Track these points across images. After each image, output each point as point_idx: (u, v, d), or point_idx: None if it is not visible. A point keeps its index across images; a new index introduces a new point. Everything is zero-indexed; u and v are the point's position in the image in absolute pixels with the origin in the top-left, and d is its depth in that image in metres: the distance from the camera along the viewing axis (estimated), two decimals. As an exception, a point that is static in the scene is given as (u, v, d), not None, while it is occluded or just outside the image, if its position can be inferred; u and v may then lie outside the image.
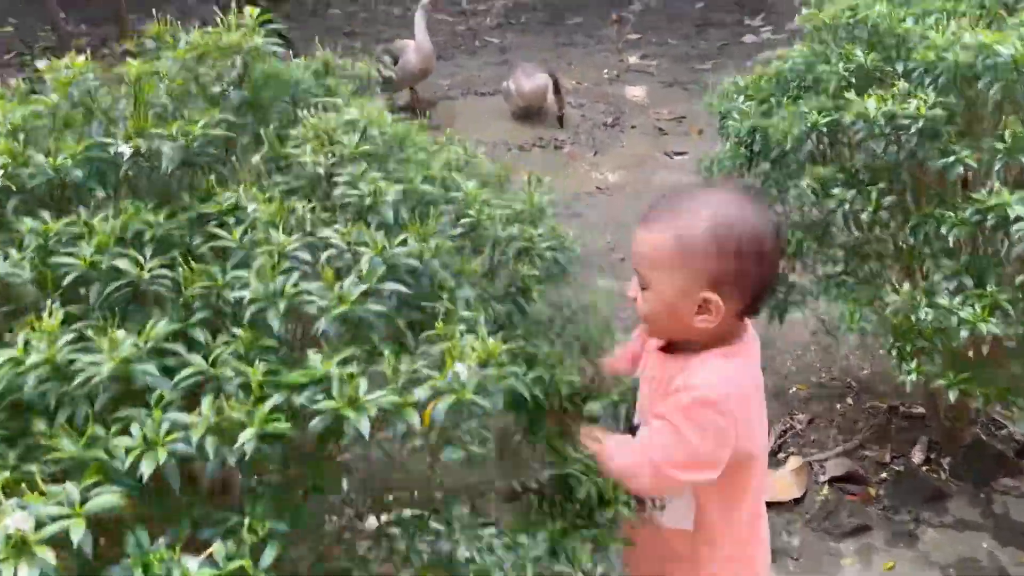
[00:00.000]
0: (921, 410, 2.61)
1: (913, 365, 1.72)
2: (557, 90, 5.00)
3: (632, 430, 1.39)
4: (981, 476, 2.36)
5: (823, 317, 2.57)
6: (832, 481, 2.42)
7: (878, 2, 1.86)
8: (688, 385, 1.23)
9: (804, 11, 2.03)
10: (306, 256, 1.12)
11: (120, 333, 0.98)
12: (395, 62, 5.01)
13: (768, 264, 1.25)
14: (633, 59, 6.27)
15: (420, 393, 1.04)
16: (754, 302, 1.27)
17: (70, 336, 0.97)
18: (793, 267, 2.12)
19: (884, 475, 2.45)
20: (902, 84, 1.66)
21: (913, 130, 1.58)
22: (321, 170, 1.23)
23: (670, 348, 1.34)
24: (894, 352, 1.76)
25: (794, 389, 2.78)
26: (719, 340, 1.27)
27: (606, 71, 6.05)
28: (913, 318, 1.67)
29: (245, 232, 1.13)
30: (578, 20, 7.21)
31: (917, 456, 2.48)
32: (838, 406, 2.72)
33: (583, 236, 3.79)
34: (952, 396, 1.67)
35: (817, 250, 1.93)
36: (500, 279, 1.48)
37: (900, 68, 1.74)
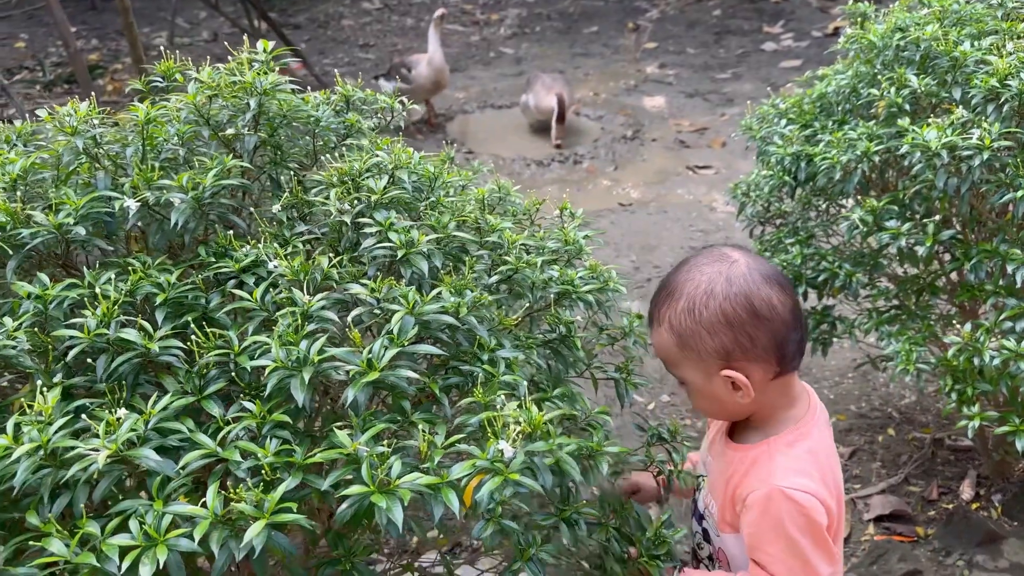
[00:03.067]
0: (968, 442, 2.48)
1: (975, 410, 1.61)
2: (561, 119, 4.81)
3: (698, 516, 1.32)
4: (1035, 515, 2.23)
5: (868, 351, 2.45)
6: (878, 519, 2.30)
7: (929, 23, 1.74)
8: (767, 498, 1.12)
9: (844, 28, 1.92)
10: (332, 316, 1.03)
11: (121, 412, 0.89)
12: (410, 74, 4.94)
13: (773, 317, 1.12)
14: (651, 69, 6.16)
15: (459, 471, 0.94)
16: (783, 359, 1.15)
17: (66, 419, 0.88)
18: (837, 298, 2.01)
19: (932, 513, 2.33)
20: (961, 112, 1.55)
21: (977, 162, 1.47)
22: (347, 219, 1.14)
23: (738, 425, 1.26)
24: (953, 395, 1.64)
25: (833, 420, 2.66)
26: (776, 409, 1.19)
27: (624, 81, 5.95)
28: (976, 361, 1.56)
29: (266, 292, 1.03)
30: (594, 29, 7.12)
31: (966, 492, 2.36)
32: (880, 438, 2.60)
33: (606, 256, 3.72)
34: (1020, 445, 1.55)
35: (866, 283, 1.82)
36: (538, 325, 1.39)
37: (957, 94, 1.62)
